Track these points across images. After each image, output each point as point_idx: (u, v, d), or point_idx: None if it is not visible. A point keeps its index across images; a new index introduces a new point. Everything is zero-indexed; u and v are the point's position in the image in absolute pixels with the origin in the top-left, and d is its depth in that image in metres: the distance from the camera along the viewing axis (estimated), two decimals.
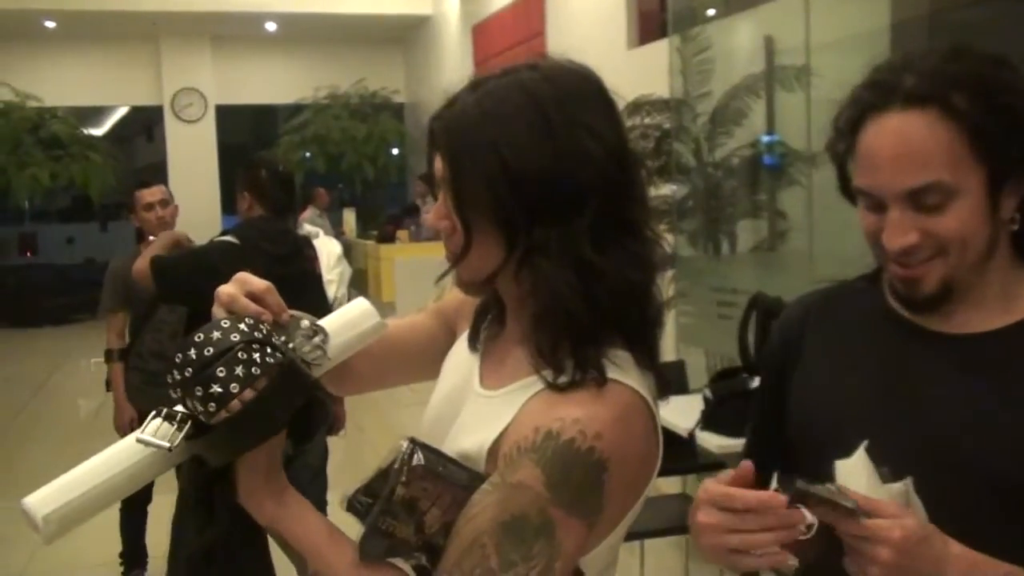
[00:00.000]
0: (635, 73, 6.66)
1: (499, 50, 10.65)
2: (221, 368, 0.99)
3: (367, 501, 1.06)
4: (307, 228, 4.84)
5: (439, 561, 1.06)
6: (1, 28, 12.10)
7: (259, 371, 1.01)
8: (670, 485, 4.56)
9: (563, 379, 1.08)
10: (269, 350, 1.03)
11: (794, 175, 4.72)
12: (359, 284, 9.50)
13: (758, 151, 4.95)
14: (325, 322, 1.18)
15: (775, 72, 4.77)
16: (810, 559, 1.03)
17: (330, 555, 1.10)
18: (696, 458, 3.99)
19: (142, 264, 3.40)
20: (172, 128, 13.43)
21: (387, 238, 11.15)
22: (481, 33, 11.24)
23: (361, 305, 1.24)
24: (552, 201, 1.07)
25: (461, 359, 1.28)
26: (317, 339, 1.13)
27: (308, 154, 13.58)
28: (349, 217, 12.99)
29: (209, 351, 1.00)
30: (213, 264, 3.34)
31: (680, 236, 5.40)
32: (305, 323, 1.14)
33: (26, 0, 11.29)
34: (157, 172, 12.79)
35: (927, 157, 1.09)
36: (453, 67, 12.32)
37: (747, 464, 1.09)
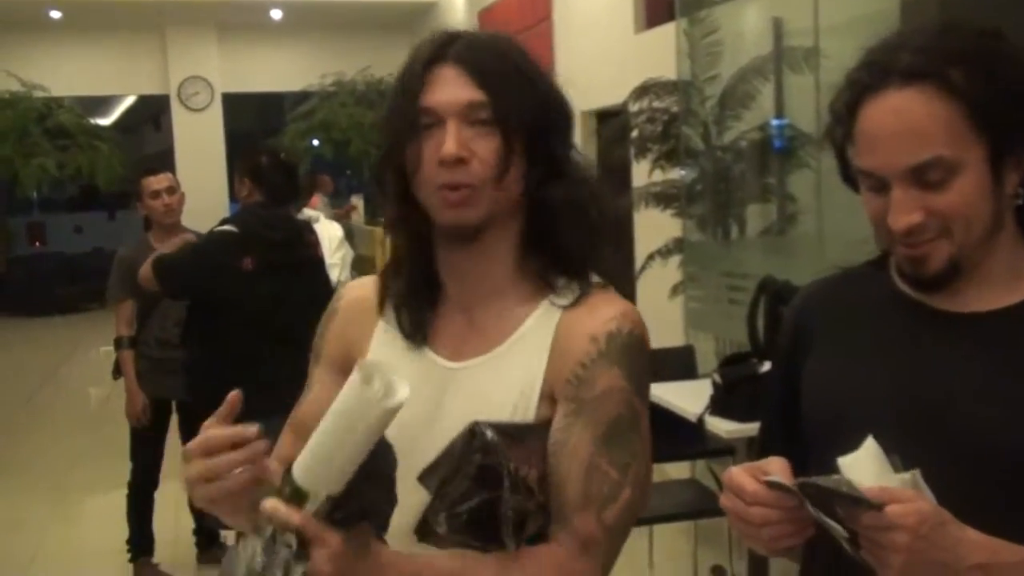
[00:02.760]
0: (642, 56, 6.62)
1: None
2: None
3: (463, 506, 1.07)
4: (307, 212, 4.84)
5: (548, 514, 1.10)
6: (7, 18, 12.09)
7: None
8: (679, 470, 4.55)
9: (577, 292, 1.18)
10: None
11: (803, 158, 4.69)
12: (367, 270, 9.50)
13: (767, 134, 4.92)
14: (321, 435, 1.02)
15: (783, 54, 4.74)
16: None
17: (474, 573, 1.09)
18: (705, 443, 3.99)
19: (146, 269, 3.47)
20: (179, 117, 13.41)
21: None
22: (487, 18, 11.20)
23: (354, 396, 1.00)
24: (560, 128, 1.21)
25: (400, 358, 1.24)
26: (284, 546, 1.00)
27: (316, 141, 13.57)
28: (357, 204, 12.98)
29: None
30: (213, 258, 3.37)
31: (689, 221, 5.38)
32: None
33: None
34: (164, 161, 12.80)
35: (927, 133, 1.08)
36: None
37: (780, 461, 1.09)
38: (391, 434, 1.04)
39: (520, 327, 1.19)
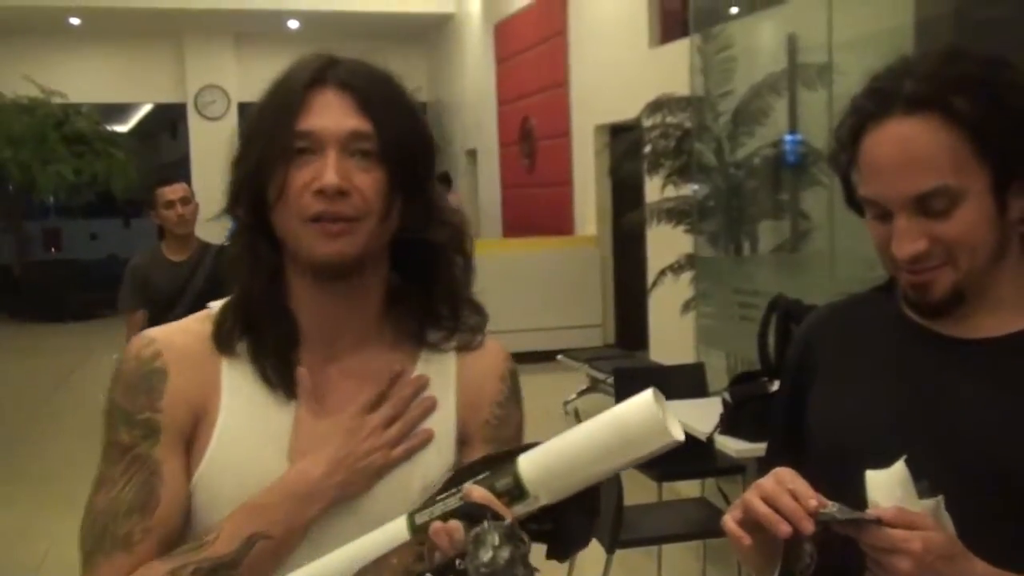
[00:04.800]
0: (656, 72, 6.62)
1: (521, 48, 10.63)
2: None
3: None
4: None
5: None
6: (27, 24, 12.20)
7: None
8: (688, 489, 4.53)
9: (467, 335, 1.14)
10: None
11: (816, 175, 4.68)
12: None
13: (780, 151, 4.91)
14: (602, 426, 0.96)
15: (797, 70, 4.73)
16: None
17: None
18: (715, 462, 3.97)
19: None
20: (195, 125, 13.49)
21: None
22: (503, 31, 11.23)
23: (645, 418, 0.93)
24: (433, 167, 1.13)
25: (265, 417, 1.08)
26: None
27: None
28: None
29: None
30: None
31: (701, 237, 5.37)
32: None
33: None
34: (180, 169, 12.85)
35: (930, 162, 1.07)
36: (475, 65, 12.31)
37: None
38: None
39: (407, 375, 1.11)
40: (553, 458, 0.95)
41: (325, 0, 12.17)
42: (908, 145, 1.08)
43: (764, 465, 1.39)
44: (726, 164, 5.22)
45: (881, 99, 1.11)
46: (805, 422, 1.28)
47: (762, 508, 1.01)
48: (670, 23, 7.28)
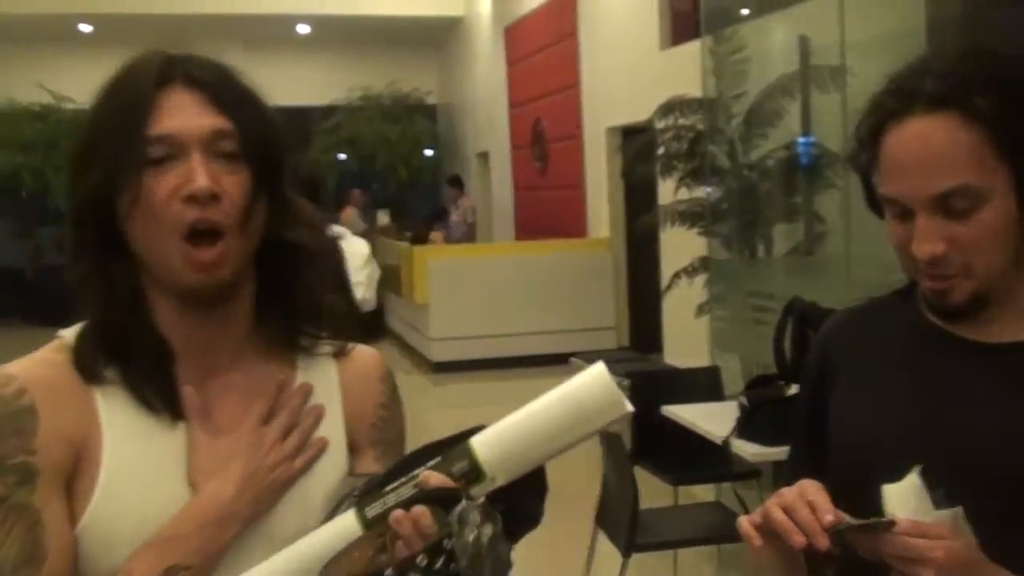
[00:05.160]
0: (668, 74, 6.61)
1: (531, 51, 10.63)
2: None
3: None
4: (335, 229, 4.84)
5: None
6: (38, 32, 12.26)
7: None
8: (704, 493, 4.51)
9: (337, 340, 1.12)
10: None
11: (830, 177, 4.66)
12: (392, 284, 9.52)
13: (793, 153, 4.89)
14: (557, 401, 0.96)
15: (810, 72, 4.71)
16: None
17: None
18: (730, 466, 3.95)
19: None
20: None
21: (420, 239, 11.19)
22: (513, 34, 11.23)
23: (601, 389, 0.94)
24: (286, 165, 1.08)
25: (153, 444, 1.02)
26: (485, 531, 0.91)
27: (342, 156, 13.62)
28: (383, 218, 13.06)
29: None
30: None
31: (715, 239, 5.35)
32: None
33: (62, 4, 11.43)
34: None
35: (952, 160, 1.06)
36: (486, 68, 12.32)
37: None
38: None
39: (291, 384, 1.09)
40: (509, 437, 0.95)
41: (335, 4, 12.18)
42: (929, 143, 1.07)
43: (787, 471, 1.38)
44: (739, 166, 5.20)
45: (903, 97, 1.10)
46: (827, 428, 1.27)
47: (779, 516, 1.00)
48: (681, 25, 7.26)
